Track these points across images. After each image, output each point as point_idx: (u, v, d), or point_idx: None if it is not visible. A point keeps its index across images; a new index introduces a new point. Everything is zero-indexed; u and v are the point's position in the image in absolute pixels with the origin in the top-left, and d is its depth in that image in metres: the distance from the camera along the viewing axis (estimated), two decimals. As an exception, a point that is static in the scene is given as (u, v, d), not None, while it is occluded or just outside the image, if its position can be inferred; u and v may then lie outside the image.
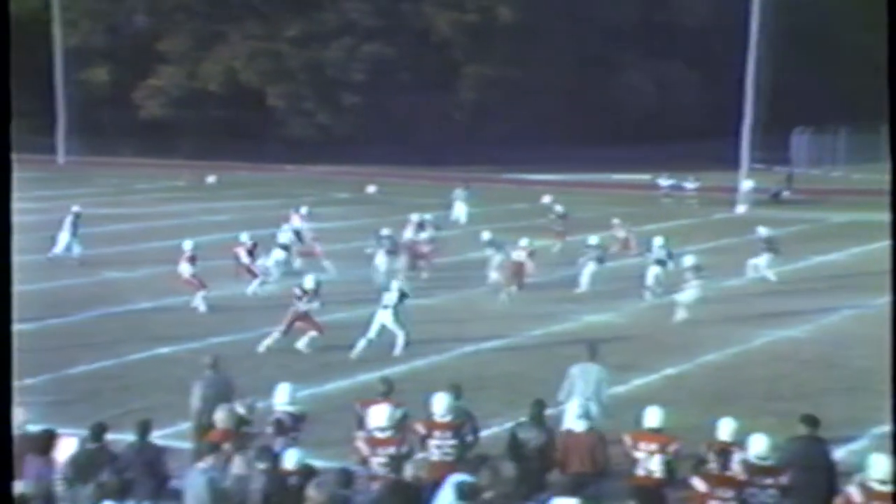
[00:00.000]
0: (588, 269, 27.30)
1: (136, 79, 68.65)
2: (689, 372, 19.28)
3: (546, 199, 45.12)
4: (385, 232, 28.22)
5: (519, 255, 27.12)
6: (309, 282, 20.73)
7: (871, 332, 22.18)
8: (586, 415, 11.91)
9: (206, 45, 69.34)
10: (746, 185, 45.71)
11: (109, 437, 11.64)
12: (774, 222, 35.36)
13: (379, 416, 11.77)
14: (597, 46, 74.49)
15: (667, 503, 11.17)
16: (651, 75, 76.95)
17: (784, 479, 10.25)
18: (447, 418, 11.91)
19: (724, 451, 10.76)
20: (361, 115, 66.93)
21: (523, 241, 27.62)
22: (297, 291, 20.46)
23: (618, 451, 11.83)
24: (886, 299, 25.42)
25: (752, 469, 10.41)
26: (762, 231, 29.55)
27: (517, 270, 26.70)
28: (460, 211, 39.63)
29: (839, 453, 14.42)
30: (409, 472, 10.68)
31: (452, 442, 11.76)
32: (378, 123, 66.37)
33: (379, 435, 11.53)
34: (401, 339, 20.00)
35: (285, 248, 28.05)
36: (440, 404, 12.00)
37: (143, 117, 68.45)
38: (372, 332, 19.98)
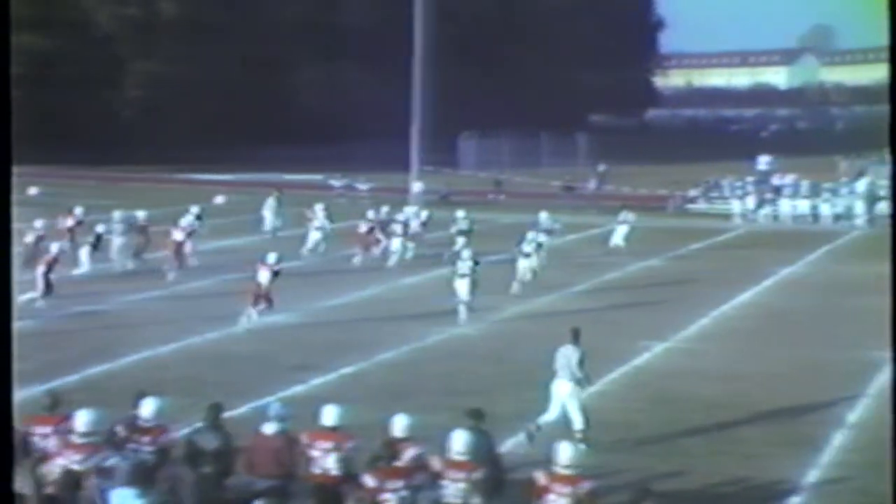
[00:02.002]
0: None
1: None
2: (366, 370, 19.49)
3: (219, 199, 44.50)
4: (117, 215, 30.16)
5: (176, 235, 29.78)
6: (272, 257, 23.62)
7: (534, 329, 23.27)
8: (278, 417, 11.80)
9: None
10: (417, 186, 46.86)
11: None
12: (447, 223, 36.48)
13: (81, 420, 11.20)
14: (267, 45, 74.27)
15: (344, 500, 11.19)
16: (322, 76, 77.53)
17: (477, 474, 10.54)
18: (150, 423, 11.58)
19: (392, 446, 10.93)
20: (20, 112, 63.39)
21: (184, 220, 30.79)
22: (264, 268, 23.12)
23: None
24: (548, 297, 26.84)
25: (447, 464, 10.63)
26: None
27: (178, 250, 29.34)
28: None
29: (507, 445, 15.07)
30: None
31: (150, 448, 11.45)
32: (39, 121, 63.20)
33: (76, 440, 10.99)
34: (463, 310, 23.64)
35: None
36: (148, 408, 11.65)
37: None
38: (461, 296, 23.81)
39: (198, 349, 20.98)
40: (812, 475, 14.10)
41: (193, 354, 20.54)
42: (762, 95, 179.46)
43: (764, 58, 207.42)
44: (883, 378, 18.24)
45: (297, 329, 23.10)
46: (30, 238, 27.83)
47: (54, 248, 25.83)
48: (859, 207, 42.13)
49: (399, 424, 11.44)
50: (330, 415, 11.69)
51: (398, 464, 10.71)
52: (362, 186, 49.58)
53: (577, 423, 15.14)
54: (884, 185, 44.67)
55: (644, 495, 10.08)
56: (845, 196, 43.42)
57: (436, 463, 10.65)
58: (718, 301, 25.81)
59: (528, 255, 27.58)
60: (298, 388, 17.83)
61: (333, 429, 11.57)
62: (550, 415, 15.33)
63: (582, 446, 14.07)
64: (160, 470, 11.24)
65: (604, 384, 18.60)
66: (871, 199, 42.36)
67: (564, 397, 15.25)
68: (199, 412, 12.54)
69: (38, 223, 28.96)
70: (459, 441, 10.68)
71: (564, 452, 10.27)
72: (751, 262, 32.04)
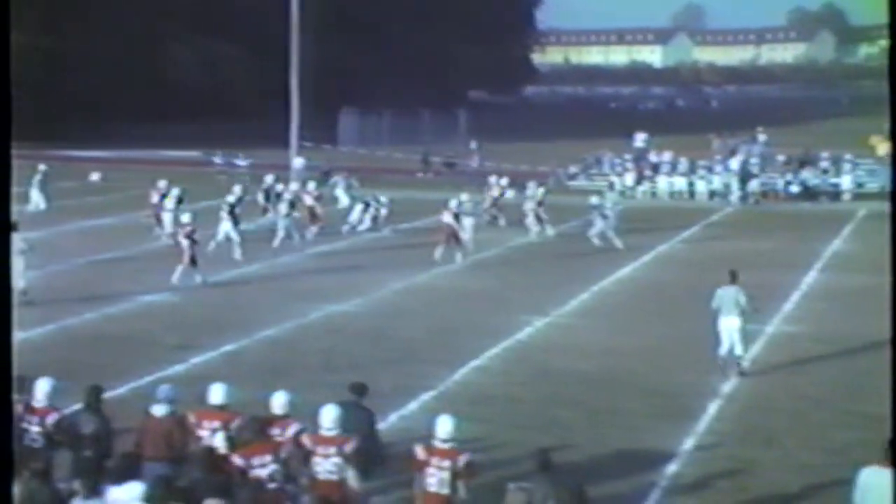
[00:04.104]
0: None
1: None
2: (247, 348, 19.36)
3: (94, 176, 43.59)
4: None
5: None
6: (453, 203, 28.39)
7: (414, 305, 23.39)
8: (167, 399, 11.64)
9: None
10: (298, 162, 46.52)
11: None
12: (327, 199, 36.35)
13: None
14: (141, 19, 72.72)
15: (231, 481, 11.10)
16: (198, 51, 76.24)
17: (347, 448, 10.56)
18: (41, 404, 11.38)
19: (258, 423, 10.87)
20: None
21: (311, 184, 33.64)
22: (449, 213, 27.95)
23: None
24: (430, 273, 26.95)
25: (316, 440, 10.64)
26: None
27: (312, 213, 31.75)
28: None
29: (392, 419, 15.15)
30: None
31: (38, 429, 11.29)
32: None
33: None
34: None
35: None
36: (42, 389, 11.40)
37: None
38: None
39: (75, 330, 20.57)
40: (688, 444, 14.46)
41: (70, 336, 20.13)
42: (639, 73, 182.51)
43: (640, 36, 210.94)
44: (754, 350, 18.81)
45: (176, 308, 22.83)
46: (154, 198, 31.78)
47: (185, 218, 25.82)
48: (733, 185, 43.12)
49: (278, 401, 11.40)
50: (217, 393, 11.60)
51: (279, 439, 10.75)
52: (241, 162, 49.08)
53: (740, 349, 17.68)
54: (755, 163, 45.86)
55: (543, 456, 10.12)
56: (720, 173, 44.39)
57: (307, 440, 10.67)
58: (598, 276, 26.22)
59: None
60: (179, 368, 17.64)
61: (221, 407, 11.49)
62: (724, 347, 17.66)
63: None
64: (40, 454, 11.01)
65: (485, 359, 18.79)
66: (744, 176, 43.39)
67: (734, 330, 17.55)
68: (77, 395, 12.32)
69: (162, 183, 32.19)
70: (328, 417, 10.69)
71: (443, 426, 10.36)
72: (629, 237, 32.57)
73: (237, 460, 10.38)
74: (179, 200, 30.88)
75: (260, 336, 20.17)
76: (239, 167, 48.47)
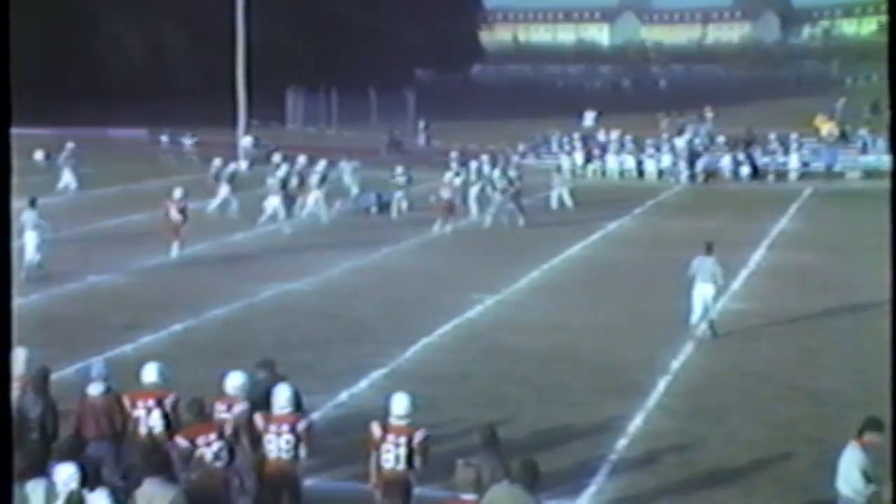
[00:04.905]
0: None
1: None
2: (196, 327, 19.24)
3: (37, 155, 43.00)
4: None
5: None
6: (448, 176, 31.14)
7: (367, 284, 23.36)
8: (101, 377, 11.56)
9: None
10: (245, 141, 46.22)
11: None
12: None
13: None
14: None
15: (170, 458, 11.06)
16: (137, 30, 75.27)
17: (300, 426, 10.57)
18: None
19: (199, 404, 10.81)
20: None
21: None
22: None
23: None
24: (381, 252, 26.91)
25: (269, 419, 10.64)
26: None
27: None
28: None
29: (343, 397, 15.17)
30: None
31: None
32: None
33: None
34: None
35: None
36: (19, 359, 11.44)
37: None
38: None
39: (21, 311, 20.21)
40: (636, 420, 14.59)
41: (16, 317, 19.82)
42: (586, 52, 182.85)
43: (587, 14, 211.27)
44: (703, 326, 18.99)
45: (124, 288, 22.62)
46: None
47: (177, 192, 25.88)
48: (681, 164, 43.37)
49: (232, 383, 11.35)
50: (150, 372, 11.55)
51: (225, 415, 10.77)
52: (187, 141, 48.67)
53: (714, 313, 18.84)
54: (699, 142, 46.17)
55: (489, 431, 10.16)
56: (667, 153, 44.61)
57: (259, 420, 10.67)
58: (548, 255, 26.33)
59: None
60: (127, 348, 17.50)
61: (155, 386, 11.45)
62: (696, 314, 18.67)
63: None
64: None
65: (436, 337, 18.82)
66: (691, 155, 43.66)
67: (708, 297, 18.64)
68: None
69: (218, 161, 33.94)
70: (282, 396, 10.70)
71: (399, 403, 10.40)
72: (579, 216, 32.75)
73: (181, 441, 10.35)
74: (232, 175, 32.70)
75: (210, 315, 20.05)
76: (185, 146, 48.07)
